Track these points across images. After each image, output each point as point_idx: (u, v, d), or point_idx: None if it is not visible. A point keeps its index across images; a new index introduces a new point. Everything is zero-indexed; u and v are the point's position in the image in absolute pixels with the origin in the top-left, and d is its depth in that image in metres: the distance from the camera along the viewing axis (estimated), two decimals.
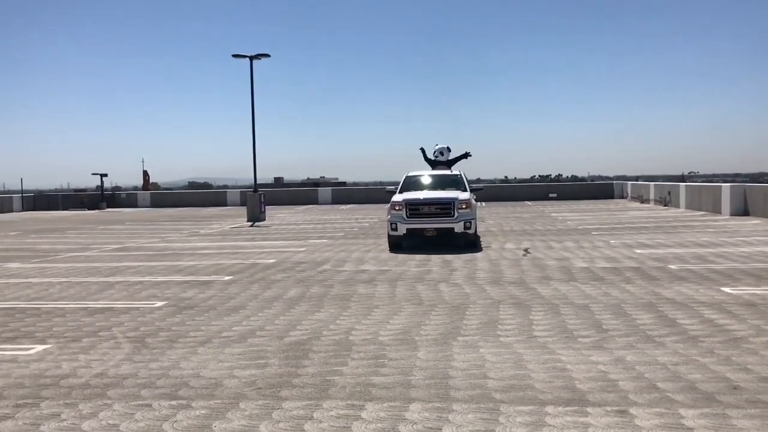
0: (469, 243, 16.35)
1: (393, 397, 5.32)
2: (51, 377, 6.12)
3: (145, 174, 69.92)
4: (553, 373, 5.84)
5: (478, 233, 18.65)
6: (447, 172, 19.41)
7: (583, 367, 5.97)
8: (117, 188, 78.34)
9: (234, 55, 30.47)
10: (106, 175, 49.85)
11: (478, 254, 14.81)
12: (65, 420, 5.00)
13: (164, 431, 4.73)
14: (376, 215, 30.47)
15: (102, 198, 49.37)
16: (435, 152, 21.24)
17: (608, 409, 4.92)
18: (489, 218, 27.16)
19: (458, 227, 15.99)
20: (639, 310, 8.44)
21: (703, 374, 5.70)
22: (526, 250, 15.48)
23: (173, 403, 5.32)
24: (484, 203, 40.55)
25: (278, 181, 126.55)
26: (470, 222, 16.06)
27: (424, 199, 16.47)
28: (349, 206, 40.69)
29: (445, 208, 16.14)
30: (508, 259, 13.94)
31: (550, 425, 4.63)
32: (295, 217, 31.30)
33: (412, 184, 18.43)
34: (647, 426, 4.57)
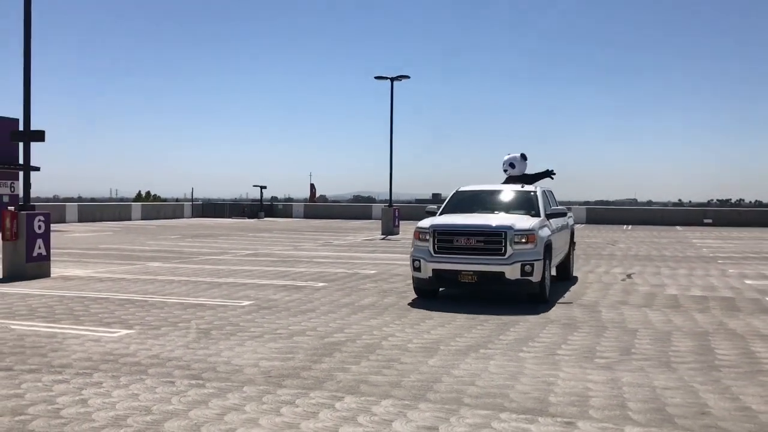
0: (535, 296, 10.97)
1: (374, 393, 5.90)
2: (114, 355, 7.30)
3: (312, 187, 74.13)
4: (538, 386, 6.14)
5: (572, 273, 14.61)
6: (516, 187, 13.19)
7: (570, 384, 6.21)
8: (289, 199, 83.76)
9: (376, 77, 31.97)
10: (265, 187, 53.52)
11: (574, 276, 14.79)
12: (103, 387, 6.07)
13: (171, 403, 5.64)
14: None
15: (261, 208, 53.08)
16: (504, 164, 15.06)
17: (558, 419, 5.21)
18: (623, 242, 26.46)
19: (511, 271, 10.56)
20: (686, 337, 8.34)
21: (683, 399, 5.76)
22: (628, 275, 15.19)
23: (192, 382, 6.24)
24: (630, 226, 39.27)
25: (436, 197, 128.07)
26: (532, 264, 10.63)
27: (461, 225, 11.27)
28: None
29: (492, 240, 10.79)
30: (602, 282, 13.84)
31: (491, 428, 5.03)
32: None
33: (462, 202, 12.96)
34: None
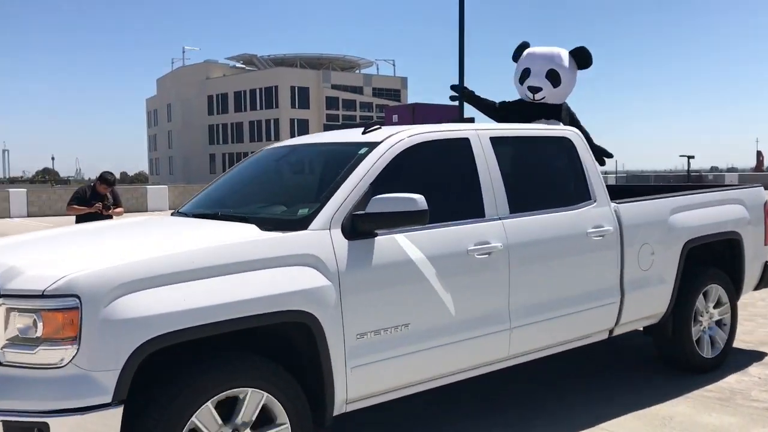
0: None
1: None
2: None
3: (759, 155, 65.24)
4: None
5: None
6: (343, 138, 4.74)
7: None
8: (732, 169, 74.77)
9: None
10: (692, 157, 48.50)
11: None
12: None
13: None
14: None
15: (687, 179, 48.43)
16: (529, 72, 6.00)
17: None
18: None
19: None
20: None
21: None
22: None
23: None
24: None
25: None
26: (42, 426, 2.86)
27: None
28: None
29: None
30: None
31: None
32: None
33: (233, 182, 5.07)
34: None
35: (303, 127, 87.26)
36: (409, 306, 3.92)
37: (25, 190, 31.17)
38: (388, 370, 3.85)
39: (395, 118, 40.83)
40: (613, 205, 5.10)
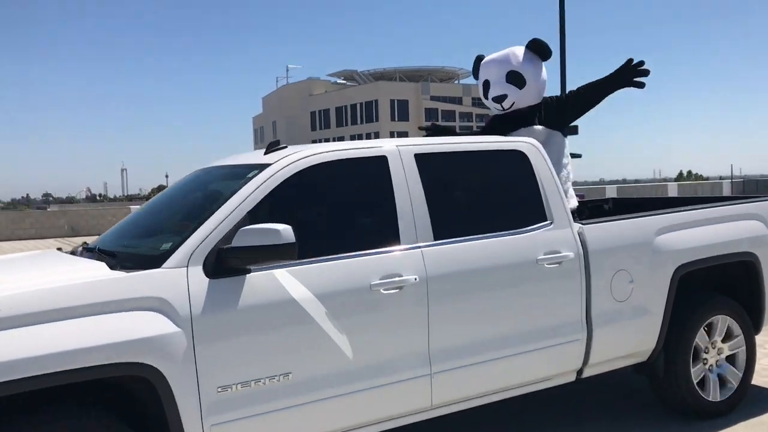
0: None
1: None
2: None
3: None
4: None
5: None
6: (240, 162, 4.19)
7: None
8: None
9: None
10: None
11: None
12: None
13: None
14: None
15: None
16: (488, 80, 5.36)
17: None
18: None
19: None
20: None
21: None
22: None
23: None
24: None
25: None
26: None
27: None
28: None
29: None
30: None
31: None
32: None
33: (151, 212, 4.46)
34: None
35: None
36: (291, 352, 3.41)
37: None
38: (263, 427, 3.35)
39: None
40: (577, 226, 4.38)
